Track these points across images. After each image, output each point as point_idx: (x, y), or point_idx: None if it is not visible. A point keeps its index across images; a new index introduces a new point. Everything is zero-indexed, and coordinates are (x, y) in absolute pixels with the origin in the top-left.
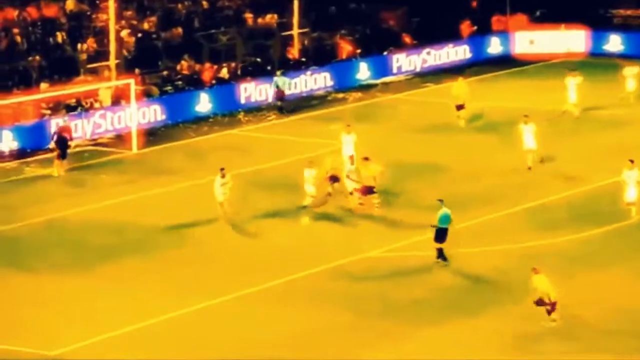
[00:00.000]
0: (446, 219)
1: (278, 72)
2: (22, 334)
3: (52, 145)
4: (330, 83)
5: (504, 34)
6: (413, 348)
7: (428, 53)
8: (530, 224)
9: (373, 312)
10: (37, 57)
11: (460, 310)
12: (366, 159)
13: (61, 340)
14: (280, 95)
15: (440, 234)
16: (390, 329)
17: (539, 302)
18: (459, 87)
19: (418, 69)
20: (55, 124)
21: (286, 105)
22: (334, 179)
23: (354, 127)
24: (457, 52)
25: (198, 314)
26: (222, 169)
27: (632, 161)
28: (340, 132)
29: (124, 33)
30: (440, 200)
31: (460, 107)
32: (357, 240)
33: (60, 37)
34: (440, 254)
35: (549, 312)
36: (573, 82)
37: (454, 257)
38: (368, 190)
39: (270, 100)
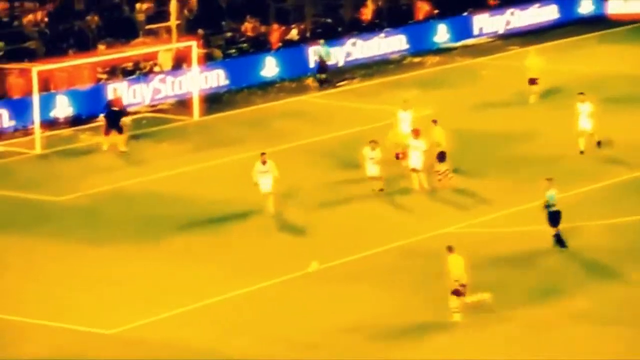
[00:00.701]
0: (553, 199)
1: (321, 42)
2: (79, 311)
3: (102, 118)
4: (405, 46)
5: None
6: (494, 331)
7: (512, 13)
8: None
9: (447, 293)
10: (94, 18)
11: (550, 291)
12: (434, 121)
13: (120, 318)
14: (323, 66)
15: (554, 217)
16: (468, 310)
17: (457, 292)
18: (531, 59)
19: (501, 31)
20: (112, 89)
21: (329, 77)
22: (399, 155)
23: (429, 94)
24: (544, 13)
25: (262, 292)
26: (262, 154)
27: None
28: (406, 104)
29: None
30: (549, 179)
31: (532, 82)
32: (429, 216)
33: None
34: (558, 239)
35: (458, 294)
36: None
37: (534, 234)
38: (440, 157)
39: (314, 69)
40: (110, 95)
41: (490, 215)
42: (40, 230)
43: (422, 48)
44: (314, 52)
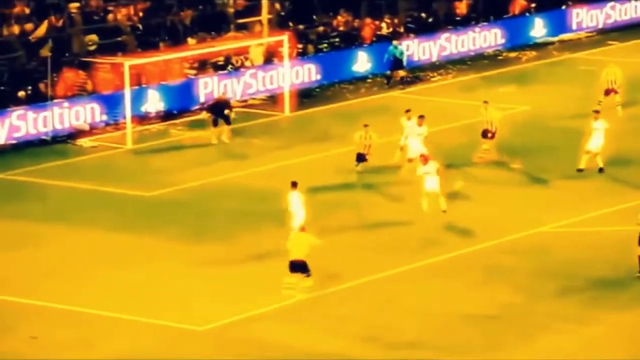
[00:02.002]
0: None
1: (394, 42)
2: (171, 307)
3: (205, 115)
4: (501, 41)
5: None
6: (595, 333)
7: (612, 7)
8: None
9: (549, 292)
10: (187, 12)
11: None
12: (485, 102)
13: (211, 315)
14: (398, 65)
15: None
16: (569, 311)
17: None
18: (611, 71)
19: (601, 25)
20: (203, 83)
21: (405, 75)
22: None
23: (525, 90)
24: None
25: (355, 289)
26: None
27: None
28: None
29: None
30: None
31: (609, 92)
32: (528, 213)
33: None
34: None
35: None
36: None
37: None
38: (484, 134)
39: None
40: (215, 94)
41: (584, 216)
42: (132, 226)
43: (518, 43)
44: (388, 52)
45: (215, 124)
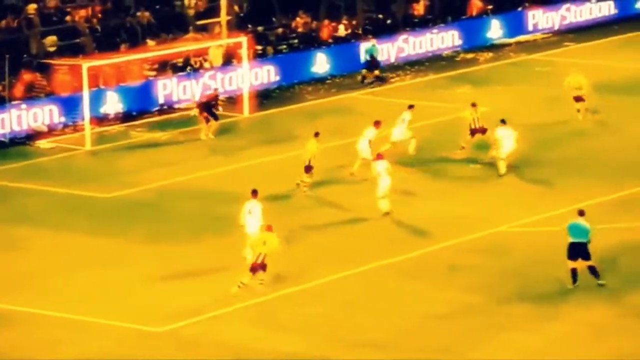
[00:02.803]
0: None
1: (372, 41)
2: (131, 308)
3: (195, 112)
4: (458, 42)
5: None
6: (558, 331)
7: (567, 9)
8: None
9: (507, 292)
10: (145, 14)
11: (603, 292)
12: (474, 105)
13: (175, 316)
14: (375, 64)
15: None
16: (531, 310)
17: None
18: (574, 78)
19: (556, 27)
20: (162, 84)
21: (382, 75)
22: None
23: (482, 91)
24: (600, 8)
25: (320, 289)
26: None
27: None
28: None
29: None
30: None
31: (579, 99)
32: (490, 213)
33: None
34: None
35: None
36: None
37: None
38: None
39: (363, 66)
40: (204, 92)
41: (542, 215)
42: (92, 227)
43: (475, 44)
44: (365, 52)
45: (207, 120)
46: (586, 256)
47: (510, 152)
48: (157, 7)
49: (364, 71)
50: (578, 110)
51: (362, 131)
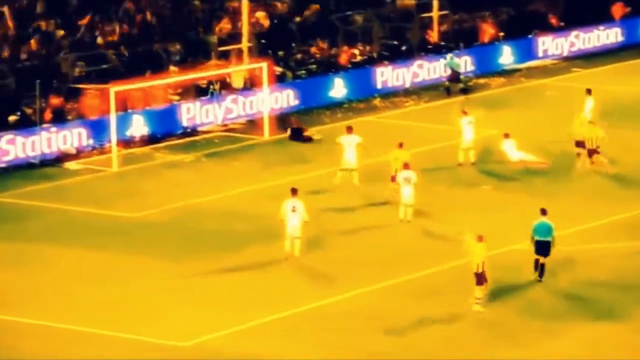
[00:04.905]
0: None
1: (450, 54)
2: (155, 324)
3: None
4: (471, 68)
5: None
6: (562, 346)
7: (576, 36)
8: None
9: (514, 308)
10: (172, 41)
11: (610, 310)
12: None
13: (196, 331)
14: (456, 76)
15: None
16: (535, 326)
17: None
18: (580, 124)
19: (565, 53)
20: (185, 108)
21: (465, 87)
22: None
23: (494, 115)
24: (608, 35)
25: (334, 306)
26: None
27: None
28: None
29: (260, 14)
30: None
31: (580, 144)
32: (499, 231)
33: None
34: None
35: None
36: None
37: (600, 252)
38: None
39: (444, 80)
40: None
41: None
42: (118, 246)
43: (487, 70)
44: (446, 64)
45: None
46: (547, 254)
47: (470, 142)
48: (184, 35)
49: (447, 83)
50: (578, 155)
51: (377, 153)
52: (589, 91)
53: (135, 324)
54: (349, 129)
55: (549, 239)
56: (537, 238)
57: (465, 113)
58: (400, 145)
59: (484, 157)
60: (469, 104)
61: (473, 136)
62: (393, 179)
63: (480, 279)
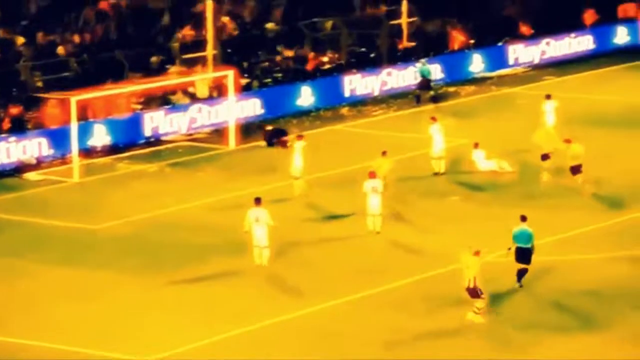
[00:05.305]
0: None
1: (422, 60)
2: (121, 339)
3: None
4: (441, 75)
5: (631, 22)
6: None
7: (547, 43)
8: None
9: (493, 320)
10: (130, 48)
11: (587, 321)
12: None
13: (161, 345)
14: (426, 84)
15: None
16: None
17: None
18: (542, 134)
19: (536, 61)
20: (149, 117)
21: (435, 94)
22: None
23: (464, 123)
24: (579, 43)
25: (303, 319)
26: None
27: None
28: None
29: (226, 19)
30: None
31: (545, 157)
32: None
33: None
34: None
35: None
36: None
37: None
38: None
39: (413, 88)
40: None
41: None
42: (81, 259)
43: (457, 77)
44: (417, 71)
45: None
46: (527, 261)
47: (441, 151)
48: (145, 42)
49: (417, 91)
50: (543, 171)
51: (345, 164)
52: (548, 96)
53: (100, 339)
54: (299, 137)
55: (529, 246)
56: (518, 245)
57: (434, 120)
58: (384, 153)
59: (453, 167)
60: (439, 112)
61: (443, 145)
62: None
63: (473, 293)
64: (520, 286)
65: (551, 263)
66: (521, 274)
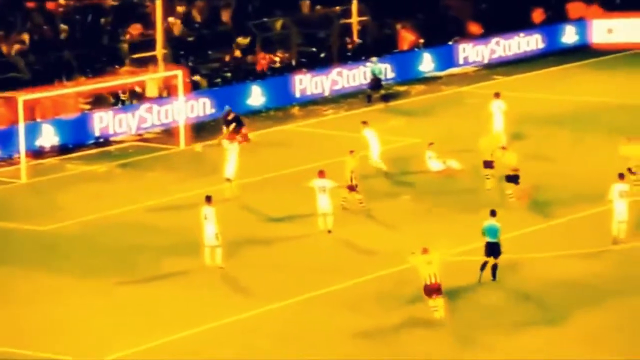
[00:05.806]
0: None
1: (373, 59)
2: (70, 341)
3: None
4: (391, 75)
5: (580, 22)
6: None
7: (497, 43)
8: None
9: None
10: (79, 48)
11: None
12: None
13: (110, 347)
14: (377, 83)
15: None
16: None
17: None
18: (487, 141)
19: (486, 60)
20: (98, 117)
21: (386, 93)
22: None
23: (414, 122)
24: (528, 42)
25: (254, 319)
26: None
27: None
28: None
29: (172, 19)
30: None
31: (488, 165)
32: (421, 242)
33: (103, 26)
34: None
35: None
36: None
37: (525, 263)
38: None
39: (365, 87)
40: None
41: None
42: (30, 260)
43: (407, 77)
44: (369, 70)
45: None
46: (497, 255)
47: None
48: (93, 41)
49: (368, 91)
50: (487, 177)
51: (296, 164)
52: (497, 95)
53: (49, 341)
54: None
55: (497, 240)
56: (487, 239)
57: (365, 123)
58: (351, 152)
59: (404, 166)
60: (390, 111)
61: (380, 147)
62: (350, 187)
63: (435, 289)
64: (494, 280)
65: (507, 261)
66: (494, 269)
